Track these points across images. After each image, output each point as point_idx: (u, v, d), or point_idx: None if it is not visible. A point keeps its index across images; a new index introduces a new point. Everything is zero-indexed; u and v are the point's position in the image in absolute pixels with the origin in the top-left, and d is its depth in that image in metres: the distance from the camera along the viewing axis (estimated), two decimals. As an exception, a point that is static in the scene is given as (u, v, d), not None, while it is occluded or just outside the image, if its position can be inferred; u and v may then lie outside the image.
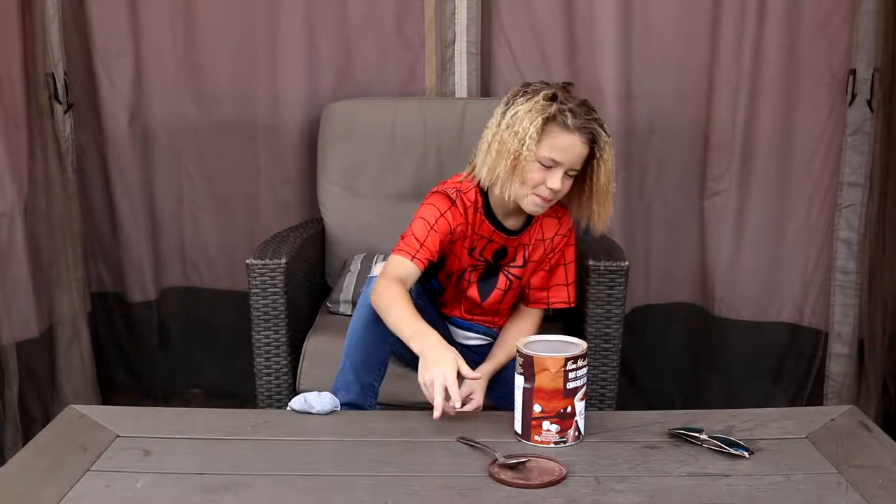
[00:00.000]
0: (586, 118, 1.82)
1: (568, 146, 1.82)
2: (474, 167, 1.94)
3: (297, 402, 1.73)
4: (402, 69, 2.73)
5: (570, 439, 1.57)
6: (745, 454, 1.51)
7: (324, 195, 2.64)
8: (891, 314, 2.50)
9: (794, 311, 2.74)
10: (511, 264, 2.03)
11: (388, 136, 2.59)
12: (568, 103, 1.81)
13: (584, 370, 1.57)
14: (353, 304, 2.19)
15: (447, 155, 2.56)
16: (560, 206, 2.01)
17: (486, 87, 2.73)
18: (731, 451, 1.52)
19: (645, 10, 2.64)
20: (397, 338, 1.88)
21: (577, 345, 1.61)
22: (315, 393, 1.74)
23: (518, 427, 1.60)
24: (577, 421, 1.57)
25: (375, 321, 1.85)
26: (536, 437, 1.57)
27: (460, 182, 1.97)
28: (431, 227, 1.89)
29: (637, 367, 2.79)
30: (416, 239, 1.89)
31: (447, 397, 1.63)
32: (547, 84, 1.87)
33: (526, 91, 1.86)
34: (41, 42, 2.55)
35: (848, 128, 2.56)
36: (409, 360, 2.09)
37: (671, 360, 2.83)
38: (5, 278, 2.39)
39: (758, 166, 2.67)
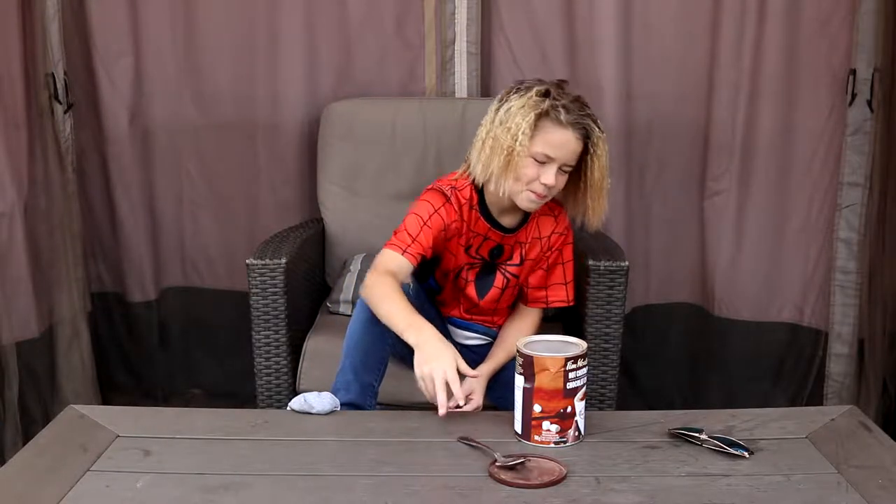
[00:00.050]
0: (579, 114, 1.82)
1: (561, 142, 1.83)
2: (469, 165, 1.94)
3: (296, 403, 1.73)
4: (402, 69, 2.73)
5: (570, 439, 1.57)
6: (745, 454, 1.51)
7: (324, 195, 2.64)
8: (891, 314, 2.50)
9: (794, 311, 2.74)
10: (508, 262, 2.03)
11: (388, 136, 2.59)
12: (561, 99, 1.82)
13: (584, 370, 1.57)
14: (353, 304, 2.19)
15: (447, 155, 2.56)
16: (556, 204, 2.02)
17: (486, 87, 2.73)
18: (731, 451, 1.52)
19: (645, 10, 2.64)
20: (397, 337, 1.87)
21: (577, 345, 1.61)
22: (315, 393, 1.74)
23: (518, 427, 1.59)
24: (577, 421, 1.57)
25: (374, 321, 1.85)
26: (536, 437, 1.57)
27: (455, 179, 1.98)
28: (425, 223, 1.90)
29: (637, 367, 2.79)
30: (409, 234, 1.89)
31: (449, 394, 1.63)
32: (541, 81, 1.87)
33: (519, 88, 1.87)
34: (41, 42, 2.55)
35: (848, 128, 2.56)
36: (410, 359, 2.09)
37: (671, 360, 2.83)
38: (5, 278, 2.39)
39: (758, 166, 2.67)
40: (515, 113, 1.82)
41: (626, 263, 2.18)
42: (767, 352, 2.76)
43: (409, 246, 1.88)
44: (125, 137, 2.78)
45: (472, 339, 2.12)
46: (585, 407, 1.59)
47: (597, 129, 1.84)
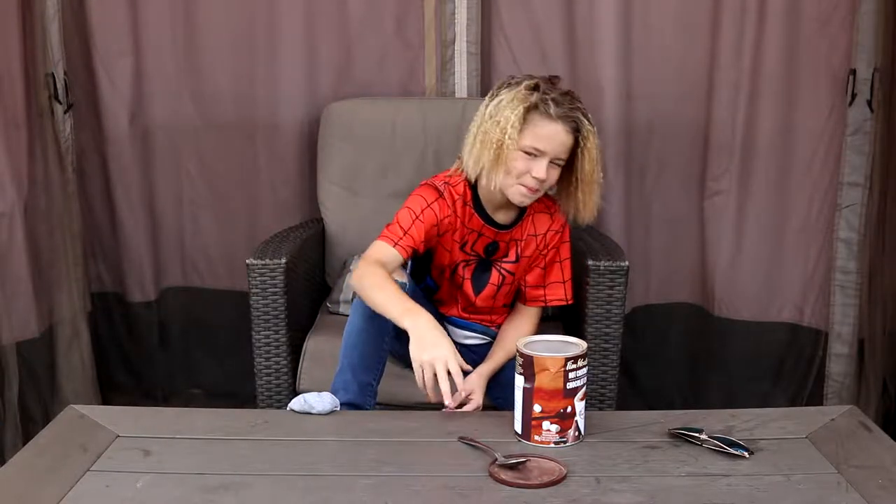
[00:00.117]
0: (569, 107, 1.84)
1: (550, 135, 1.84)
2: (462, 161, 1.95)
3: (296, 403, 1.73)
4: (402, 69, 2.73)
5: (570, 439, 1.57)
6: (745, 454, 1.51)
7: (324, 195, 2.64)
8: (891, 314, 2.50)
9: (794, 311, 2.74)
10: (504, 259, 2.03)
11: (388, 136, 2.59)
12: (551, 93, 1.84)
13: (584, 370, 1.57)
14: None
15: (447, 155, 2.56)
16: (552, 203, 2.02)
17: (486, 87, 2.73)
18: (731, 451, 1.52)
19: (645, 10, 2.64)
20: (394, 336, 1.88)
21: (577, 345, 1.61)
22: (315, 393, 1.74)
23: (518, 427, 1.60)
24: (577, 421, 1.57)
25: (372, 320, 1.85)
26: (536, 437, 1.57)
27: (449, 176, 1.99)
28: (417, 217, 1.91)
29: (637, 367, 2.79)
30: (401, 227, 1.90)
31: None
32: (532, 76, 1.89)
33: (510, 83, 1.90)
34: (41, 42, 2.55)
35: (848, 128, 2.56)
36: (408, 359, 2.09)
37: (671, 360, 2.83)
38: (5, 278, 2.39)
39: (758, 166, 2.67)
40: (505, 107, 1.84)
41: (626, 263, 2.18)
42: (767, 352, 2.76)
43: (400, 239, 1.89)
44: (125, 137, 2.78)
45: (472, 338, 2.12)
46: (585, 407, 1.59)
47: (587, 123, 1.85)
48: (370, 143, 2.59)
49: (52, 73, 2.59)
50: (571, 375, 1.55)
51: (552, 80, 1.89)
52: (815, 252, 2.68)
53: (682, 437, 1.58)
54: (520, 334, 1.94)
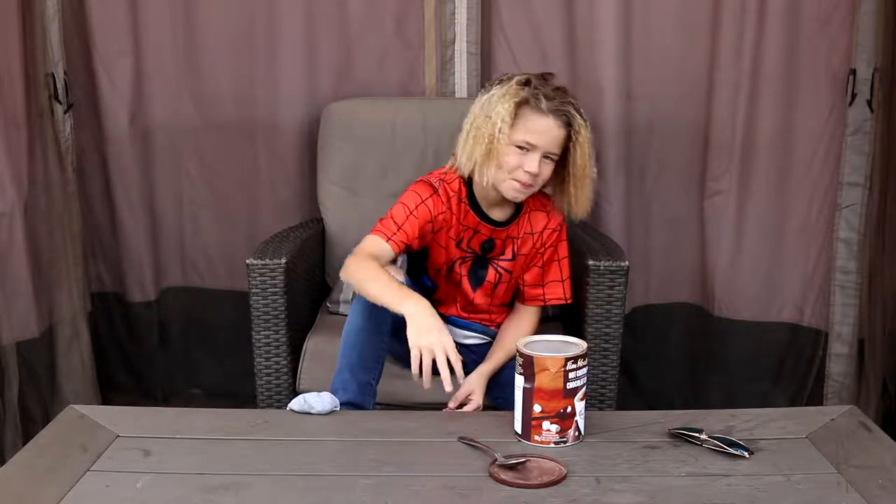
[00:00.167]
0: (560, 101, 1.85)
1: (542, 129, 1.85)
2: (456, 158, 1.96)
3: (296, 404, 1.73)
4: (402, 69, 2.73)
5: (570, 439, 1.57)
6: (745, 454, 1.51)
7: (324, 195, 2.64)
8: (891, 314, 2.50)
9: (794, 311, 2.74)
10: (500, 257, 2.04)
11: (388, 136, 2.59)
12: (542, 88, 1.86)
13: (584, 370, 1.57)
14: (353, 304, 2.19)
15: (447, 155, 2.53)
16: (549, 201, 2.03)
17: (485, 88, 2.73)
18: (731, 451, 1.52)
19: (645, 10, 2.64)
20: (394, 336, 1.88)
21: (577, 345, 1.61)
22: (315, 393, 1.74)
23: (518, 427, 1.60)
24: (577, 421, 1.57)
25: (370, 320, 1.86)
26: (536, 437, 1.57)
27: (444, 172, 2.00)
28: (411, 213, 1.92)
29: (637, 367, 2.79)
30: (395, 222, 1.91)
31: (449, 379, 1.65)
32: (524, 74, 1.91)
33: (502, 79, 1.92)
34: (41, 42, 2.55)
35: (848, 128, 2.56)
36: (407, 358, 2.09)
37: (671, 360, 2.82)
38: (5, 278, 2.39)
39: (758, 166, 2.67)
40: (496, 102, 1.86)
41: (626, 263, 2.18)
42: (767, 352, 2.76)
43: (393, 234, 1.90)
44: (125, 137, 2.78)
45: (471, 338, 2.12)
46: (585, 407, 1.59)
47: (578, 117, 1.86)
48: (370, 143, 2.59)
49: (52, 73, 2.59)
50: (571, 375, 1.55)
51: (544, 77, 1.90)
52: (815, 252, 2.68)
53: (682, 437, 1.58)
54: (520, 334, 1.94)
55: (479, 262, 2.04)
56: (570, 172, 1.92)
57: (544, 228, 2.03)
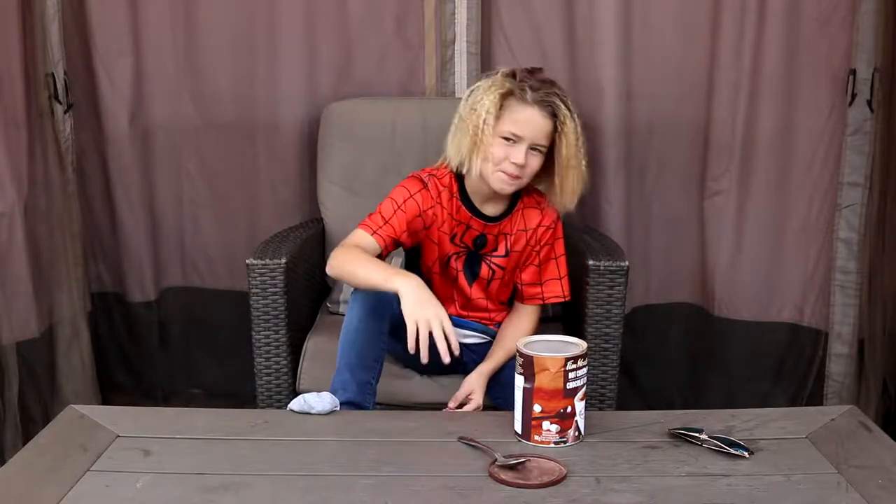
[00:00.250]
0: (546, 92, 1.87)
1: (526, 119, 1.87)
2: (446, 152, 1.98)
3: (296, 404, 1.73)
4: (402, 69, 2.73)
5: (570, 439, 1.57)
6: (745, 454, 1.51)
7: (324, 195, 2.64)
8: (891, 314, 2.50)
9: (794, 311, 2.73)
10: (493, 254, 2.04)
11: (388, 136, 2.59)
12: (528, 80, 1.88)
13: (584, 370, 1.57)
14: (353, 304, 2.19)
15: (447, 155, 2.56)
16: (543, 198, 2.04)
17: (486, 88, 2.73)
18: (731, 451, 1.52)
19: (645, 10, 2.63)
20: (392, 336, 1.88)
21: (577, 345, 1.61)
22: (314, 393, 1.74)
23: (518, 427, 1.60)
24: (577, 421, 1.57)
25: (368, 319, 1.86)
26: (536, 437, 1.57)
27: (435, 168, 2.01)
28: (399, 207, 1.94)
29: (637, 367, 2.79)
30: (382, 216, 1.93)
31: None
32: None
33: (489, 74, 1.95)
34: (41, 42, 2.55)
35: (848, 128, 2.56)
36: (406, 358, 2.09)
37: (671, 360, 2.82)
38: (5, 278, 2.39)
39: (758, 166, 2.66)
40: (482, 94, 1.90)
41: (626, 263, 2.18)
42: (767, 352, 2.76)
43: (379, 227, 1.91)
44: (125, 137, 2.78)
45: (471, 337, 2.12)
46: (585, 407, 1.59)
47: (563, 108, 1.88)
48: (370, 143, 2.59)
49: (52, 73, 2.59)
50: (571, 375, 1.55)
51: (532, 70, 1.93)
52: (815, 252, 2.68)
53: (682, 437, 1.58)
54: (519, 333, 1.94)
55: (474, 258, 2.05)
56: (555, 163, 1.93)
57: (538, 225, 2.04)
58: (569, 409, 1.56)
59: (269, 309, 2.18)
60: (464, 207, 1.99)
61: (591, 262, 2.17)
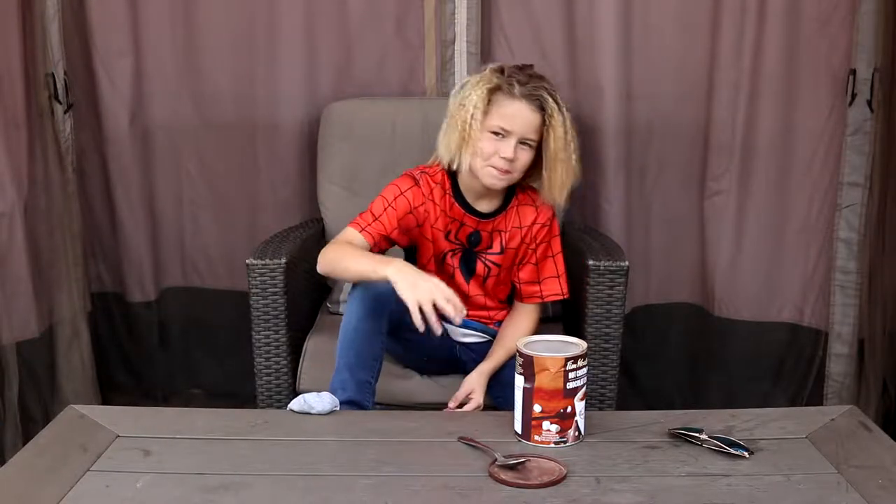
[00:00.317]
0: (534, 86, 1.88)
1: (514, 113, 1.87)
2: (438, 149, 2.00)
3: (296, 404, 1.73)
4: (402, 69, 2.73)
5: (570, 439, 1.57)
6: (745, 454, 1.51)
7: (324, 195, 2.64)
8: (891, 314, 2.50)
9: (794, 311, 2.73)
10: (488, 251, 2.04)
11: (388, 136, 2.59)
12: (516, 75, 1.90)
13: (584, 370, 1.57)
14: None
15: (447, 155, 2.56)
16: (538, 196, 2.03)
17: (486, 87, 2.73)
18: (731, 451, 1.52)
19: (645, 10, 2.63)
20: (391, 335, 1.88)
21: (577, 345, 1.62)
22: (314, 393, 1.74)
23: (518, 427, 1.60)
24: (577, 421, 1.57)
25: (366, 319, 1.86)
26: (536, 437, 1.57)
27: (428, 166, 2.02)
28: (389, 204, 1.95)
29: (637, 367, 2.78)
30: (372, 214, 1.95)
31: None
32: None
33: (479, 71, 1.97)
34: (41, 42, 2.55)
35: (848, 128, 2.56)
36: (406, 357, 2.10)
37: (671, 360, 2.82)
38: (5, 278, 2.39)
39: (758, 166, 2.66)
40: (470, 90, 1.91)
41: (626, 263, 2.18)
42: (767, 352, 2.76)
43: (368, 225, 1.93)
44: (125, 137, 2.77)
45: (470, 336, 2.12)
46: (585, 407, 1.59)
47: (551, 101, 1.89)
48: (370, 143, 2.59)
49: (52, 73, 2.59)
50: (571, 375, 1.55)
51: (521, 66, 1.94)
52: (815, 252, 2.68)
53: (682, 437, 1.58)
54: (520, 332, 1.94)
55: (469, 255, 2.05)
56: (543, 156, 1.93)
57: (533, 223, 2.04)
58: (569, 409, 1.56)
59: (269, 309, 2.18)
60: (457, 204, 2.00)
61: (591, 262, 2.17)
